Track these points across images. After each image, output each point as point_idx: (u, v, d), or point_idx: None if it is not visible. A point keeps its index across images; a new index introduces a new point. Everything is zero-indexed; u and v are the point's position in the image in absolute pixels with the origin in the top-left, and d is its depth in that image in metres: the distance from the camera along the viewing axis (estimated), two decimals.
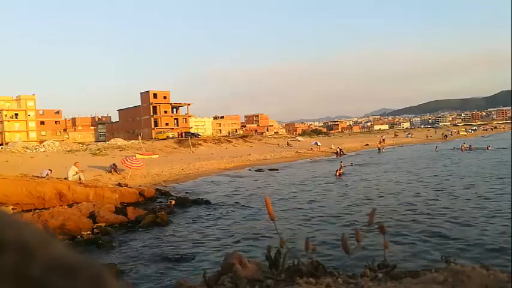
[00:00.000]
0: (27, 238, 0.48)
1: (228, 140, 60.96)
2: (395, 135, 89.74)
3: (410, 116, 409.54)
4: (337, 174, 26.09)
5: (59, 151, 38.91)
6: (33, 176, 17.27)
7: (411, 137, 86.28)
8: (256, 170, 31.60)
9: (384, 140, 65.51)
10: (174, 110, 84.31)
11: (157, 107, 79.38)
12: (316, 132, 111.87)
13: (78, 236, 11.62)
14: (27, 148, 39.64)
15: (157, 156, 35.17)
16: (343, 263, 6.70)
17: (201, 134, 74.97)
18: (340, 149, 48.93)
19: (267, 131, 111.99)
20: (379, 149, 51.86)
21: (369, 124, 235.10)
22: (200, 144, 53.24)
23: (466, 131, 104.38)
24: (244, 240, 11.15)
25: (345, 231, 10.94)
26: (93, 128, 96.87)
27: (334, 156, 45.69)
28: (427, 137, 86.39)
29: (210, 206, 16.53)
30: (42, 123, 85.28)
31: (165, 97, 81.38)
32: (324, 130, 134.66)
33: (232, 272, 1.97)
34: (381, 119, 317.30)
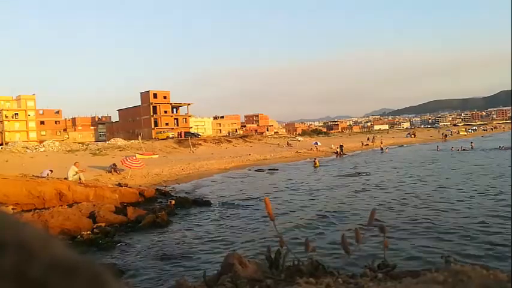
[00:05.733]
0: (27, 238, 0.48)
1: (228, 140, 60.95)
2: (413, 134, 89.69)
3: (410, 116, 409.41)
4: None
5: (59, 151, 38.91)
6: (33, 176, 17.26)
7: (411, 136, 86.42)
8: (256, 170, 31.60)
9: (368, 140, 66.38)
10: (174, 110, 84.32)
11: (157, 107, 79.38)
12: (316, 132, 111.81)
13: (78, 236, 11.61)
14: (27, 148, 39.63)
15: (157, 156, 35.18)
16: (343, 263, 6.70)
17: (201, 134, 74.94)
18: (342, 147, 48.82)
19: (267, 131, 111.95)
20: (381, 149, 51.93)
21: (369, 124, 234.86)
22: (200, 144, 53.24)
23: (466, 131, 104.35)
24: (244, 240, 11.15)
25: (344, 231, 10.95)
26: (93, 128, 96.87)
27: (334, 156, 45.70)
28: (414, 135, 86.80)
29: (209, 206, 16.53)
30: (42, 123, 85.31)
31: (165, 97, 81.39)
32: (324, 130, 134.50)
33: (232, 272, 1.97)
34: (381, 119, 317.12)
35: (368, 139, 67.42)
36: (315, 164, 33.41)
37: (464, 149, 45.20)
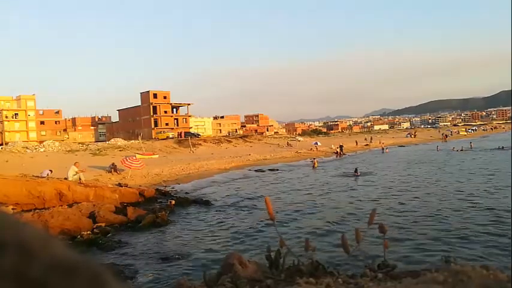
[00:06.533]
0: (27, 238, 0.48)
1: (228, 140, 60.96)
2: (413, 134, 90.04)
3: (410, 116, 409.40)
4: (356, 173, 26.14)
5: (59, 151, 38.91)
6: (33, 176, 17.25)
7: (411, 137, 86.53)
8: (256, 170, 31.60)
9: (366, 140, 67.89)
10: (174, 110, 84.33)
11: (157, 107, 79.39)
12: (316, 132, 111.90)
13: (78, 236, 11.61)
14: (27, 148, 39.63)
15: (157, 156, 35.18)
16: (343, 263, 6.70)
17: (201, 134, 74.94)
18: (342, 147, 48.80)
19: (267, 131, 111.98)
20: (382, 149, 52.06)
21: (369, 124, 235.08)
22: (200, 144, 53.24)
23: (466, 131, 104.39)
24: (244, 240, 11.15)
25: (345, 231, 10.96)
26: (93, 128, 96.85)
27: (334, 156, 45.68)
28: (414, 135, 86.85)
29: (209, 206, 16.54)
30: (42, 123, 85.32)
31: (165, 97, 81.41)
32: (324, 130, 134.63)
33: (232, 272, 1.97)
34: (381, 119, 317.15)
35: (366, 139, 68.17)
36: (314, 164, 33.43)
37: (463, 150, 45.17)
